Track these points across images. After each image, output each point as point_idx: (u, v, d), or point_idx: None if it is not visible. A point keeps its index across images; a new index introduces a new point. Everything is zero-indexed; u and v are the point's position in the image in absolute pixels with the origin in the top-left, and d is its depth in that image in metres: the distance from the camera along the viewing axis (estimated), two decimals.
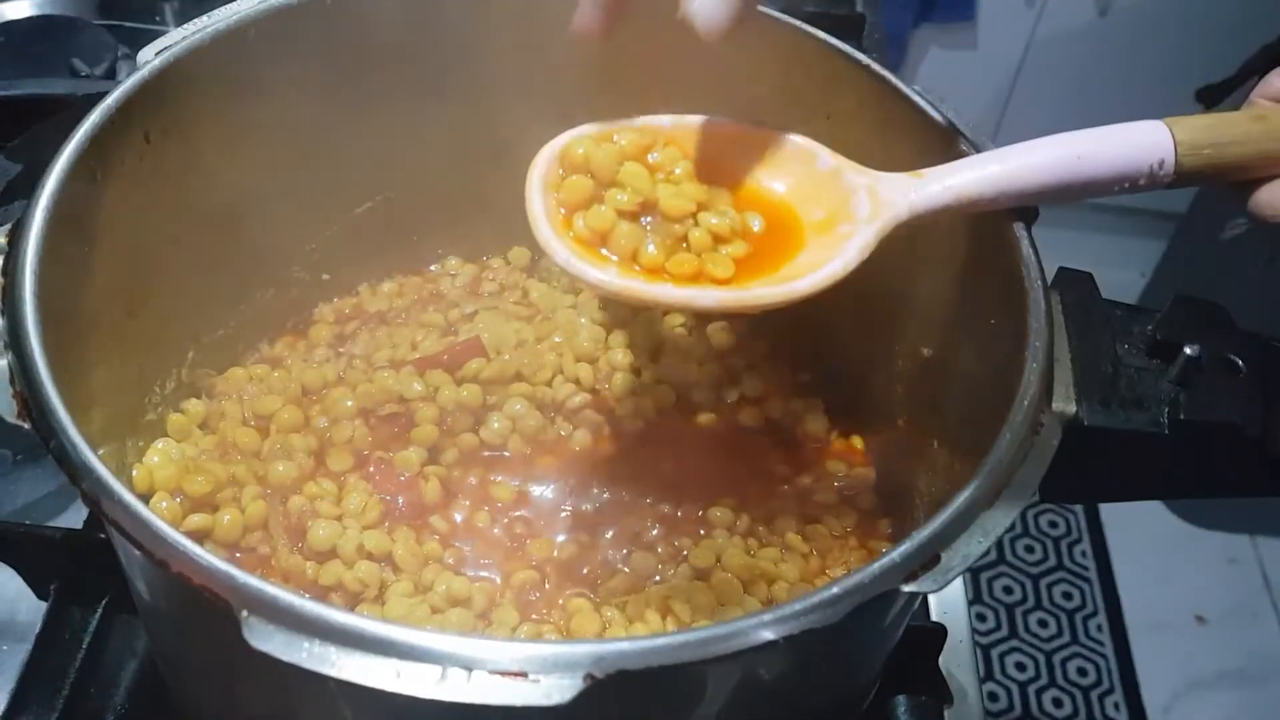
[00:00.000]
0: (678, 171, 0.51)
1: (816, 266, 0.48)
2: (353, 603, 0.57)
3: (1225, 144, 0.48)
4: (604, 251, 0.49)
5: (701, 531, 0.61)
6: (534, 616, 0.58)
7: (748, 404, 0.68)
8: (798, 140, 0.52)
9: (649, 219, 0.49)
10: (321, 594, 0.57)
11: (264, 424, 0.64)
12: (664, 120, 0.52)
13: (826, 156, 0.52)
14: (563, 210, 0.49)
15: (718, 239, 0.49)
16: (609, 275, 0.47)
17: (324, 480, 0.61)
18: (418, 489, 0.62)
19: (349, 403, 0.64)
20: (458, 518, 0.62)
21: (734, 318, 0.72)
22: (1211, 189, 0.51)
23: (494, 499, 0.62)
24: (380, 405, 0.65)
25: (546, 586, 0.59)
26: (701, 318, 0.71)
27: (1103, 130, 0.49)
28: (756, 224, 0.51)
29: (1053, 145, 0.49)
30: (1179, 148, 0.48)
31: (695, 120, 0.52)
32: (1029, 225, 0.51)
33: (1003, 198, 0.49)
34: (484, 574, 0.59)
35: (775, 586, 0.59)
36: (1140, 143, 0.48)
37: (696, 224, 0.49)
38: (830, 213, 0.50)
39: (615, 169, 0.50)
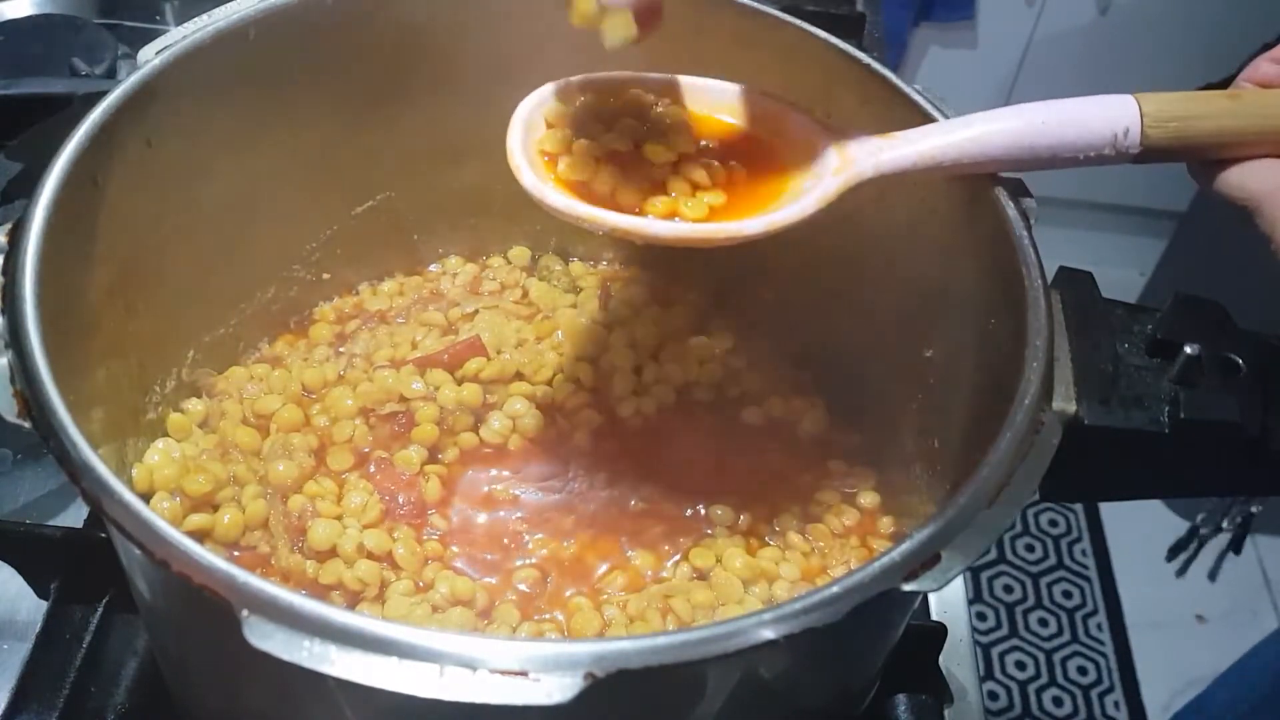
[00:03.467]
0: (668, 122, 0.53)
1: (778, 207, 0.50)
2: (353, 602, 0.57)
3: (1192, 118, 0.48)
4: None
5: (708, 531, 0.61)
6: (535, 616, 0.58)
7: (748, 403, 0.68)
8: (779, 101, 0.54)
9: (631, 165, 0.52)
10: (322, 593, 0.57)
11: (264, 423, 0.64)
12: (662, 76, 0.54)
13: (804, 117, 0.53)
14: (545, 158, 0.51)
15: (696, 186, 0.51)
16: (566, 200, 0.49)
17: (324, 479, 0.61)
18: (418, 488, 0.62)
19: (349, 402, 0.64)
20: (457, 517, 0.62)
21: (735, 315, 0.72)
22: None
23: (494, 498, 0.62)
24: (381, 404, 0.65)
25: (547, 585, 0.59)
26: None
27: (1070, 100, 0.49)
28: (739, 175, 0.52)
29: (1019, 113, 0.50)
30: (1145, 119, 0.48)
31: (694, 80, 0.54)
32: (1029, 224, 0.51)
33: (968, 162, 0.50)
34: (484, 573, 0.59)
35: (776, 585, 0.59)
36: (1106, 112, 0.49)
37: (676, 173, 0.51)
38: (803, 168, 0.52)
39: (610, 120, 0.53)
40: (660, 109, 0.54)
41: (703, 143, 0.54)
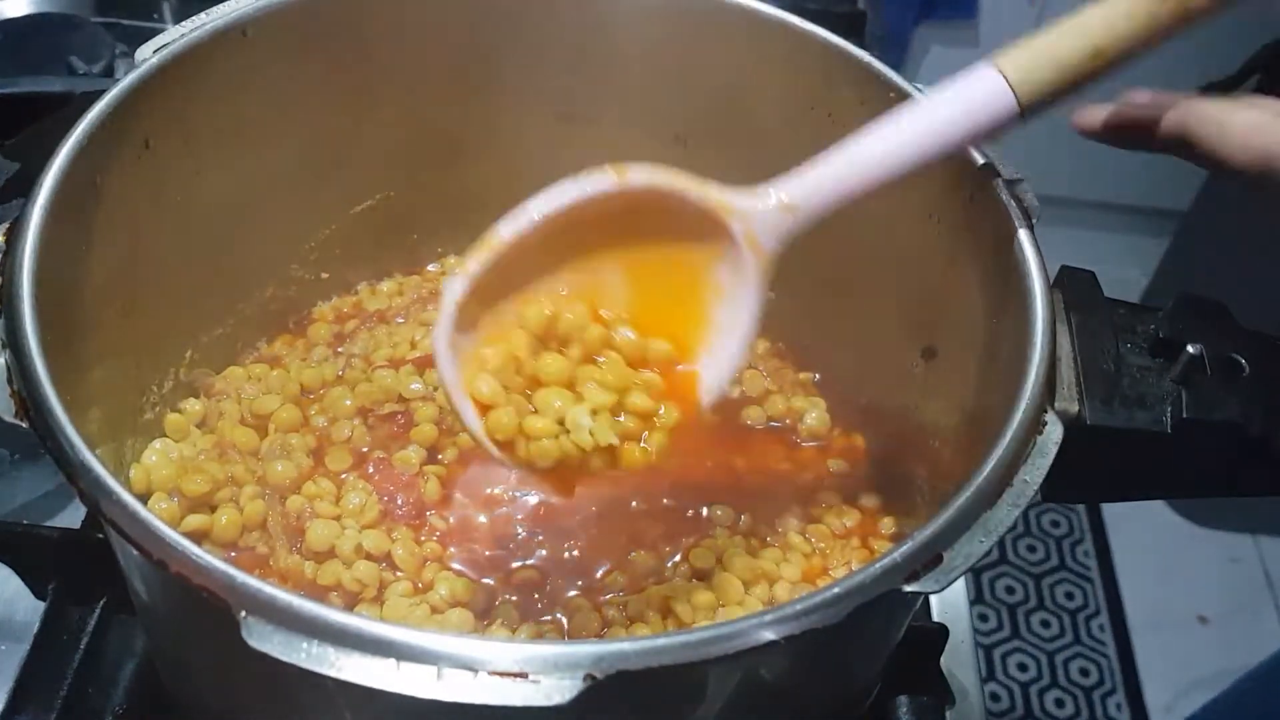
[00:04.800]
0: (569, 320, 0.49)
1: (719, 352, 0.49)
2: (352, 603, 0.57)
3: (1059, 82, 0.48)
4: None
5: (708, 531, 0.61)
6: (534, 616, 0.57)
7: (749, 403, 0.68)
8: (675, 189, 0.48)
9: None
10: (320, 594, 0.57)
11: (262, 423, 0.63)
12: (533, 221, 0.50)
13: (695, 199, 0.48)
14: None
15: (646, 417, 0.49)
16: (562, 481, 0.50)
17: (323, 480, 0.61)
18: (417, 488, 0.61)
19: (348, 402, 0.64)
20: (456, 517, 0.61)
21: None
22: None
23: (494, 498, 0.62)
24: (379, 404, 0.65)
25: (547, 586, 0.59)
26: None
27: (941, 98, 0.49)
28: (655, 302, 0.50)
29: (896, 127, 0.48)
30: (1020, 99, 0.48)
31: (560, 196, 0.49)
32: (1031, 223, 0.51)
33: (867, 188, 0.48)
34: (484, 574, 0.59)
35: (777, 586, 0.58)
36: (982, 105, 0.48)
37: (624, 411, 0.49)
38: (709, 253, 0.49)
39: (531, 367, 0.49)
40: (573, 320, 0.49)
41: (604, 310, 0.49)
